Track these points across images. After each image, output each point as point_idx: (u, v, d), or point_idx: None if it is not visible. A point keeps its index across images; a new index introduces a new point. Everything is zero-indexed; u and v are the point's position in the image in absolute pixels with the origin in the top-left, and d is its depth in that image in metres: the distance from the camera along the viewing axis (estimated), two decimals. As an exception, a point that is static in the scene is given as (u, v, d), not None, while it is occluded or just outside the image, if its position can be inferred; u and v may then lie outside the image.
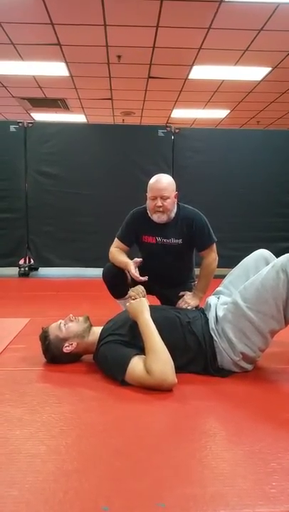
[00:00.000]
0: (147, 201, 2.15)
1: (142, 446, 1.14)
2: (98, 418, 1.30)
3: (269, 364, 1.76)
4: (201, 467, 1.04)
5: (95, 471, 1.02)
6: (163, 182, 2.09)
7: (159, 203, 2.06)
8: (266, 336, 1.56)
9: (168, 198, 2.07)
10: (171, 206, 2.11)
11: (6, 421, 1.26)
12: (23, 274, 4.56)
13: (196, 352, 1.62)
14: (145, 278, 2.00)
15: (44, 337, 1.69)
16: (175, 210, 2.15)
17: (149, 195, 2.12)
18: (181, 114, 8.22)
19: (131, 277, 2.17)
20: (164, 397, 1.43)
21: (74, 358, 1.72)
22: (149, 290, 2.13)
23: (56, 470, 1.02)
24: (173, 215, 2.14)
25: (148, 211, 2.16)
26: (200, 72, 5.99)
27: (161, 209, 2.07)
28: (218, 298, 1.81)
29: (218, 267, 2.21)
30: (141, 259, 2.10)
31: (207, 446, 1.14)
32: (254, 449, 1.12)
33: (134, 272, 2.02)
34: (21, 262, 4.63)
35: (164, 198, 2.06)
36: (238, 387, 1.53)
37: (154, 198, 2.08)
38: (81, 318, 1.72)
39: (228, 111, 8.07)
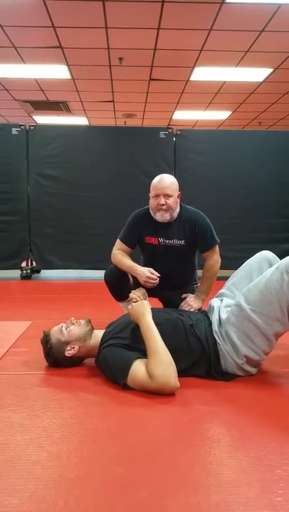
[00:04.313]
0: (150, 201, 2.14)
1: (144, 453, 1.12)
2: (100, 423, 1.28)
3: (273, 367, 1.74)
4: (205, 474, 1.02)
5: (97, 479, 1.00)
6: (166, 181, 2.08)
7: (162, 201, 2.05)
8: (270, 338, 1.54)
9: (171, 196, 2.06)
10: (174, 205, 2.09)
11: (7, 426, 1.25)
12: (25, 277, 4.55)
13: (199, 355, 1.60)
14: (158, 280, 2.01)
15: (45, 341, 1.67)
16: (178, 210, 2.14)
17: (152, 193, 2.11)
18: (183, 115, 8.22)
19: (133, 279, 2.15)
20: (166, 401, 1.41)
21: (76, 361, 1.70)
22: (151, 292, 2.11)
23: (57, 477, 1.00)
24: (176, 214, 2.12)
25: (151, 210, 2.14)
26: (201, 73, 5.98)
27: (164, 207, 2.06)
28: (221, 300, 1.79)
29: (220, 269, 2.19)
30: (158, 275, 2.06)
31: (211, 453, 1.11)
32: (259, 455, 1.10)
33: (149, 274, 2.01)
34: (23, 264, 4.63)
35: (166, 197, 2.05)
36: (241, 391, 1.50)
37: (157, 196, 2.06)
38: (83, 321, 1.70)
39: (230, 112, 8.06)
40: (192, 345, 1.60)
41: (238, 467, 1.05)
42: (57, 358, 1.67)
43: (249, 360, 1.57)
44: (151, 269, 2.04)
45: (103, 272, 2.28)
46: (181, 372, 1.51)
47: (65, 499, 0.92)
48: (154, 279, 2.01)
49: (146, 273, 2.02)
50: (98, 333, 1.69)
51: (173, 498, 0.93)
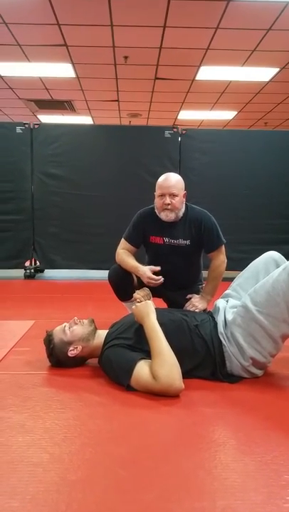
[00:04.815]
0: (155, 200, 2.11)
1: (148, 455, 1.09)
2: (103, 425, 1.26)
3: (280, 370, 1.71)
4: (210, 479, 1.00)
5: (100, 481, 0.98)
6: (172, 180, 2.06)
7: (168, 201, 2.02)
8: (277, 340, 1.51)
9: (176, 195, 2.03)
10: (180, 205, 2.07)
11: (8, 427, 1.23)
12: (29, 276, 4.54)
13: (204, 356, 1.58)
14: (161, 279, 1.98)
15: (48, 341, 1.66)
16: (183, 209, 2.11)
17: (157, 192, 2.09)
18: (188, 115, 8.19)
19: (137, 279, 2.13)
20: (171, 403, 1.38)
21: (79, 362, 1.68)
22: (156, 293, 2.09)
23: (59, 480, 0.98)
24: (181, 214, 2.10)
25: (156, 210, 2.12)
26: (207, 72, 5.95)
27: (169, 207, 2.03)
28: (227, 301, 1.76)
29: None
30: (159, 267, 2.05)
31: (216, 456, 1.09)
32: (266, 460, 1.07)
33: (150, 275, 1.99)
34: (27, 263, 4.62)
35: (172, 196, 2.02)
36: (247, 394, 1.48)
37: (163, 196, 2.04)
38: (86, 321, 1.68)
39: (236, 112, 8.02)
40: (197, 346, 1.57)
41: (244, 472, 1.02)
42: (60, 358, 1.66)
43: (255, 362, 1.54)
44: (152, 267, 2.02)
45: (107, 271, 2.26)
46: (186, 374, 1.49)
47: (67, 502, 0.90)
48: (157, 279, 1.99)
49: (148, 273, 2.00)
50: (101, 334, 1.67)
51: (177, 502, 0.91)
